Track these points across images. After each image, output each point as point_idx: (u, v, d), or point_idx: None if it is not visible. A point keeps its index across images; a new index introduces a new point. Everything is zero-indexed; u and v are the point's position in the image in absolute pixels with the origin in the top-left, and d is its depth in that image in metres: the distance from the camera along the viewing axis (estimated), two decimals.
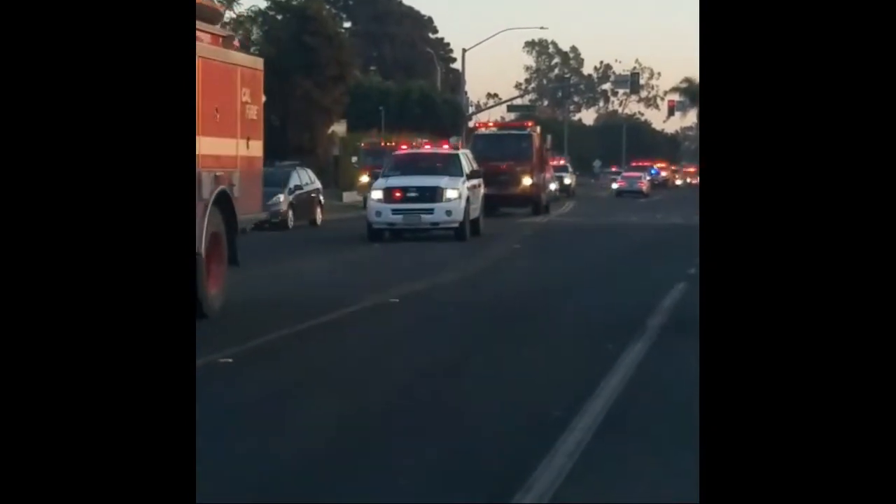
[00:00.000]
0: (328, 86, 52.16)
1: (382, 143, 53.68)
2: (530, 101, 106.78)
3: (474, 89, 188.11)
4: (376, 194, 30.43)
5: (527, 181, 44.56)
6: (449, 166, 31.46)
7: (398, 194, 29.94)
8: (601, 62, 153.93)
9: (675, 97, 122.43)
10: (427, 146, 35.55)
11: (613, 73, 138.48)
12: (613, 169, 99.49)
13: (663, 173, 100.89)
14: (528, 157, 45.32)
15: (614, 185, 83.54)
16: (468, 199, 30.30)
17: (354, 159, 54.11)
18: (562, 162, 75.63)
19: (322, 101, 51.73)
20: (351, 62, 55.43)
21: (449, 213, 29.60)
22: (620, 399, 9.70)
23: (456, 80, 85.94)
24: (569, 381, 10.54)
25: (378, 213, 29.97)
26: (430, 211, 29.66)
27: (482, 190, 32.99)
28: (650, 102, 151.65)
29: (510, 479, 7.21)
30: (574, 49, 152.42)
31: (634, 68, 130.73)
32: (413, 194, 29.87)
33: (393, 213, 29.79)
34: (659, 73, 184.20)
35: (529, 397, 9.91)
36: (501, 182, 42.50)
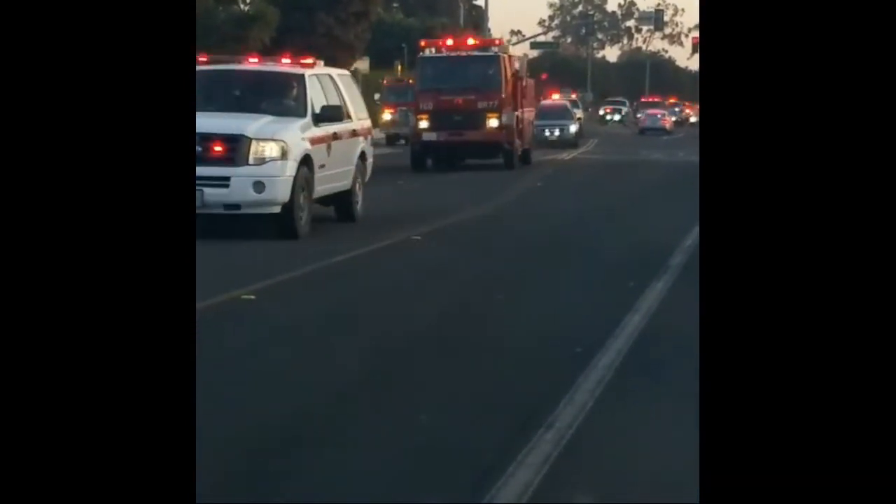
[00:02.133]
0: (351, 22, 51.94)
1: (407, 81, 53.53)
2: (554, 38, 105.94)
3: (497, 26, 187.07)
4: None
5: (492, 122, 32.90)
6: (282, 98, 17.54)
7: None
8: None
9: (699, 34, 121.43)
10: (252, 59, 19.96)
11: (637, 9, 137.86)
12: (617, 99, 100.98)
13: (687, 110, 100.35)
14: (496, 87, 33.27)
15: (601, 111, 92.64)
16: (309, 160, 16.37)
17: (377, 96, 54.03)
18: (573, 97, 68.87)
19: (344, 38, 51.55)
20: None
21: (259, 186, 15.57)
22: (641, 337, 9.72)
23: (479, 17, 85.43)
24: (590, 319, 10.56)
25: None
26: (223, 182, 15.58)
27: (365, 142, 19.20)
28: (674, 39, 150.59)
29: (531, 416, 7.25)
30: None
31: (658, 5, 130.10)
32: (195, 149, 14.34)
33: None
34: (683, 10, 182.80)
35: (551, 335, 9.94)
36: (457, 123, 32.64)
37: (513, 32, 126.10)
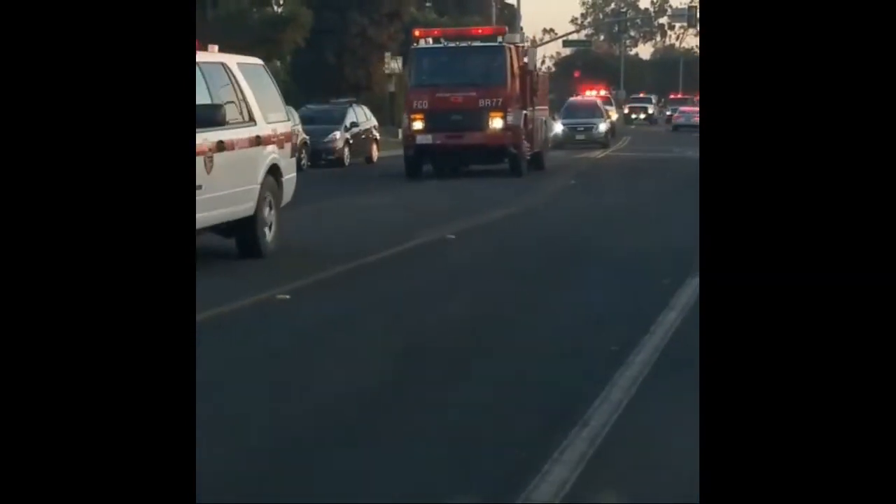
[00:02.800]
0: (384, 22, 52.03)
1: None
2: (586, 36, 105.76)
3: (530, 25, 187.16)
4: None
5: (496, 123, 28.85)
6: None
7: None
8: None
9: None
10: None
11: (670, 6, 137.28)
12: (642, 95, 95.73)
13: None
14: (500, 83, 29.07)
15: (625, 109, 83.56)
16: None
17: None
18: (602, 93, 66.17)
19: (377, 38, 51.63)
20: None
21: None
22: (677, 334, 9.70)
23: (511, 16, 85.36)
24: (625, 316, 10.54)
25: None
26: None
27: (279, 152, 14.97)
28: None
29: (566, 414, 7.25)
30: None
31: (691, 1, 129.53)
32: None
33: None
34: None
35: (586, 331, 9.93)
36: (456, 124, 28.84)
37: (545, 31, 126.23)
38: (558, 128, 44.42)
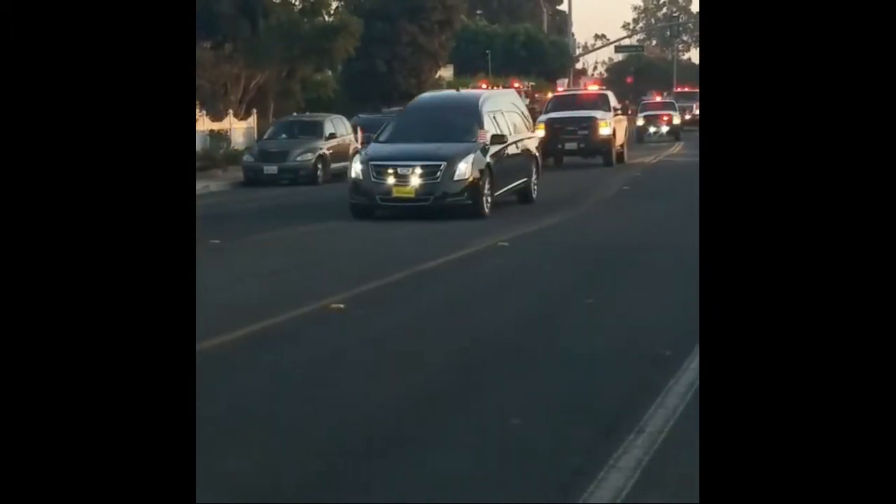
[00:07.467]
0: (434, 30, 52.07)
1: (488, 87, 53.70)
2: (638, 41, 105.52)
3: (581, 31, 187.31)
4: None
5: None
6: None
7: None
8: None
9: None
10: None
11: None
12: (658, 98, 68.61)
13: None
14: None
15: (639, 121, 54.05)
16: None
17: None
18: (593, 88, 45.84)
19: (428, 46, 51.69)
20: (457, 6, 55.11)
21: None
22: None
23: (562, 22, 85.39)
24: (678, 321, 10.47)
25: None
26: None
27: None
28: None
29: (621, 421, 7.21)
30: None
31: None
32: None
33: None
34: None
35: (639, 337, 9.87)
36: None
37: (597, 36, 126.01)
38: (357, 168, 20.82)
